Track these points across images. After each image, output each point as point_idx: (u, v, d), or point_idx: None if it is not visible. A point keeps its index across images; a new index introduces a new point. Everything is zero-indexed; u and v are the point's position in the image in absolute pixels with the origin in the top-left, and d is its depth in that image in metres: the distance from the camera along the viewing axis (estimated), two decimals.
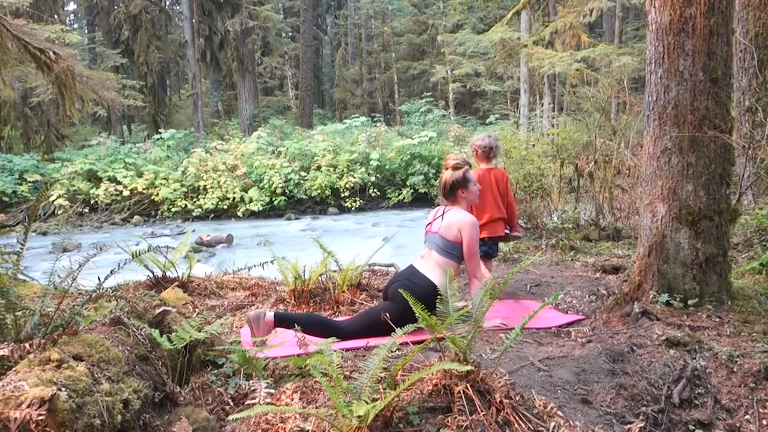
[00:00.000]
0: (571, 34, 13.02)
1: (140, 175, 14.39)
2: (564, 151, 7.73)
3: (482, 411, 1.85)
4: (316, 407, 1.99)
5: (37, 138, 17.27)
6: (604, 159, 6.65)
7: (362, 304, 3.81)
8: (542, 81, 14.88)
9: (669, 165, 3.02)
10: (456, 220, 3.23)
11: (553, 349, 2.74)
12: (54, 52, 6.25)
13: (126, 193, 13.89)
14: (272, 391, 2.16)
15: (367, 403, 1.76)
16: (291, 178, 14.15)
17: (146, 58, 19.22)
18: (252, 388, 2.23)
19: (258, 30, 21.29)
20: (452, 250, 3.19)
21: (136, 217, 13.75)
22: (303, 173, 14.43)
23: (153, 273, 3.99)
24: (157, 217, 13.93)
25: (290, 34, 32.37)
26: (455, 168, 3.37)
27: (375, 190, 14.75)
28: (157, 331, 2.23)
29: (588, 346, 2.70)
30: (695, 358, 2.47)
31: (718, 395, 2.30)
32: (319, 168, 14.58)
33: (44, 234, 11.95)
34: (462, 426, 1.80)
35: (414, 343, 2.53)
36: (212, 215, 13.84)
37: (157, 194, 13.91)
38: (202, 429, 1.97)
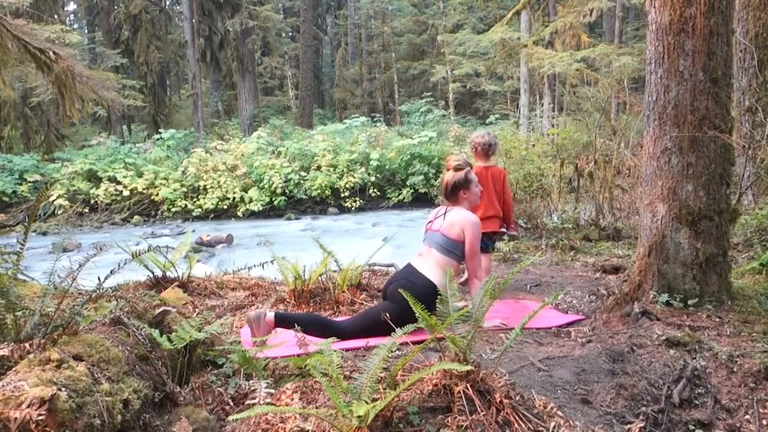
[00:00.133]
0: (571, 34, 13.02)
1: (140, 175, 14.39)
2: (564, 151, 7.73)
3: (482, 411, 1.85)
4: (316, 407, 1.99)
5: (37, 138, 17.27)
6: (604, 159, 6.65)
7: (362, 304, 3.81)
8: (542, 81, 14.88)
9: (669, 165, 3.02)
10: (459, 218, 3.23)
11: (553, 349, 2.74)
12: (54, 52, 6.25)
13: (126, 193, 13.89)
14: (272, 391, 2.16)
15: (367, 403, 1.76)
16: (291, 178, 14.16)
17: (146, 58, 19.22)
18: (252, 388, 2.23)
19: (258, 30, 21.29)
20: (453, 249, 3.19)
21: (136, 217, 13.75)
22: (303, 173, 14.43)
23: (153, 273, 3.99)
24: (157, 217, 13.93)
25: (290, 34, 32.37)
26: (457, 169, 3.37)
27: (375, 190, 14.75)
28: (157, 331, 2.23)
29: (588, 346, 2.70)
30: (695, 358, 2.47)
31: (718, 395, 2.30)
32: (319, 168, 14.58)
33: (44, 234, 11.95)
34: (462, 426, 1.80)
35: (414, 343, 2.53)
36: (212, 215, 13.84)
37: (157, 194, 13.91)
38: (202, 429, 1.97)
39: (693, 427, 2.15)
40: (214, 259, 8.46)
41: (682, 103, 2.97)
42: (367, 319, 3.07)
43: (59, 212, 13.33)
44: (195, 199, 13.98)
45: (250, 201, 13.89)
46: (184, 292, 3.77)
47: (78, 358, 1.79)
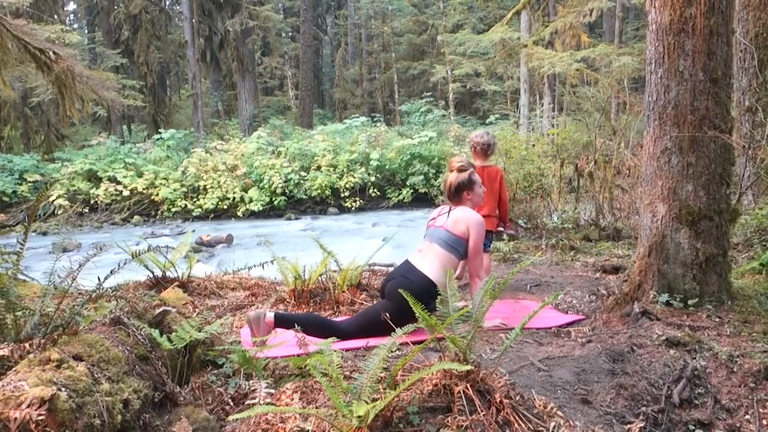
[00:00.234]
0: (571, 34, 13.02)
1: (140, 175, 14.39)
2: (564, 151, 7.74)
3: (482, 411, 1.85)
4: (316, 407, 1.99)
5: (37, 138, 17.27)
6: (604, 159, 6.65)
7: (362, 304, 3.81)
8: (542, 81, 14.88)
9: (669, 165, 3.02)
10: (464, 216, 3.24)
11: (553, 349, 2.74)
12: (54, 52, 6.25)
13: (126, 193, 13.89)
14: (272, 391, 2.16)
15: (367, 403, 1.76)
16: (291, 178, 14.15)
17: (146, 58, 19.22)
18: (252, 388, 2.23)
19: (258, 30, 21.29)
20: (456, 245, 3.19)
21: (136, 217, 13.75)
22: (303, 173, 14.43)
23: (153, 273, 3.99)
24: (157, 217, 13.93)
25: (290, 34, 32.37)
26: (461, 170, 3.39)
27: (375, 190, 14.75)
28: (157, 331, 2.23)
29: (588, 346, 2.70)
30: (695, 358, 2.47)
31: (718, 395, 2.30)
32: (319, 168, 14.58)
33: (44, 234, 11.95)
34: (462, 426, 1.80)
35: (414, 343, 2.54)
36: (212, 215, 13.84)
37: (157, 194, 13.91)
38: (202, 429, 1.97)
39: (693, 427, 2.15)
40: (214, 259, 8.46)
41: (682, 103, 2.97)
42: (366, 319, 3.07)
43: (59, 212, 13.33)
44: (195, 199, 13.98)
45: (250, 201, 13.89)
46: (184, 292, 3.77)
47: (78, 358, 1.80)
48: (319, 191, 14.17)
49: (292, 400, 2.08)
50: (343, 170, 14.52)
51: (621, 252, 5.27)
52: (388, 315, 2.85)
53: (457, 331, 2.11)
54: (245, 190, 14.14)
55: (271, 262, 4.08)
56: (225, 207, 13.92)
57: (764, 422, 2.16)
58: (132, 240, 8.46)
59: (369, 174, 14.62)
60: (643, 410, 2.15)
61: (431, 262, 3.15)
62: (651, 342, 2.63)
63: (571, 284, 4.15)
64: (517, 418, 1.87)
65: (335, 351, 2.13)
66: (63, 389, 1.56)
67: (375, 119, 19.81)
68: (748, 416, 2.20)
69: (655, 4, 3.06)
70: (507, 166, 6.78)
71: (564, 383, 2.29)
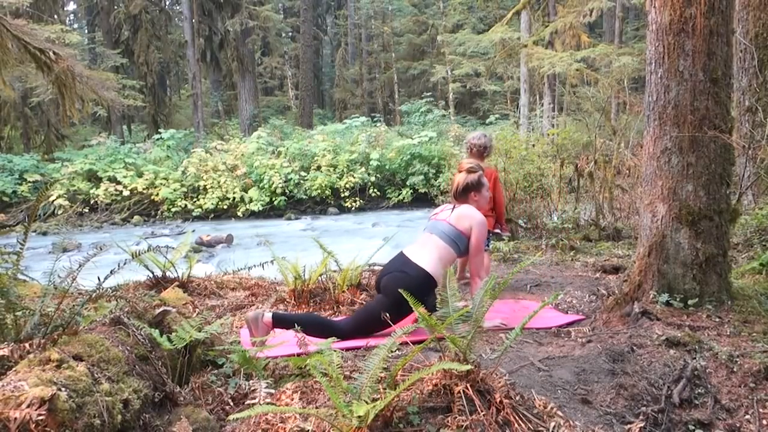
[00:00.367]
0: (571, 34, 13.02)
1: (140, 175, 14.39)
2: (564, 151, 7.74)
3: (482, 411, 1.85)
4: (316, 407, 1.99)
5: (37, 138, 17.27)
6: (604, 159, 6.65)
7: (362, 304, 3.81)
8: (542, 81, 14.88)
9: (669, 165, 3.02)
10: (468, 214, 3.24)
11: (553, 349, 2.74)
12: (54, 52, 6.25)
13: (126, 193, 13.88)
14: (272, 391, 2.16)
15: (367, 403, 1.76)
16: (291, 178, 14.15)
17: (146, 58, 19.22)
18: (252, 388, 2.23)
19: (258, 30, 21.29)
20: (458, 240, 3.18)
21: (136, 217, 13.75)
22: (303, 173, 14.43)
23: (153, 273, 3.99)
24: (157, 217, 13.93)
25: (290, 34, 32.37)
26: (470, 171, 3.41)
27: (375, 190, 14.75)
28: (157, 331, 2.23)
29: (588, 346, 2.70)
30: (695, 358, 2.47)
31: (718, 395, 2.30)
32: (319, 168, 14.58)
33: (44, 234, 11.95)
34: (462, 426, 1.80)
35: (414, 343, 2.53)
36: (212, 215, 13.84)
37: (157, 194, 13.91)
38: (202, 429, 1.97)
39: (693, 427, 2.15)
40: (214, 259, 8.46)
41: (682, 103, 2.97)
42: (364, 316, 3.06)
43: (59, 212, 13.33)
44: (195, 199, 13.98)
45: (250, 201, 13.88)
46: (184, 292, 3.77)
47: (78, 358, 1.79)
48: (319, 191, 14.17)
49: (292, 400, 2.08)
50: (343, 170, 14.52)
51: (621, 252, 5.27)
52: (383, 311, 2.87)
53: (457, 331, 2.11)
54: (245, 190, 14.14)
55: (271, 262, 4.08)
56: (225, 207, 13.92)
57: (764, 422, 2.16)
58: (132, 240, 8.46)
59: (369, 174, 14.62)
60: (643, 410, 2.15)
61: (429, 254, 3.12)
62: (651, 342, 2.63)
63: (571, 284, 4.15)
64: (517, 418, 1.87)
65: (335, 351, 2.13)
66: (63, 389, 1.56)
67: (375, 119, 19.80)
68: (748, 416, 2.20)
69: (655, 4, 3.06)
70: (507, 166, 6.77)
71: (564, 383, 2.29)
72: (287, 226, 12.53)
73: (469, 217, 3.23)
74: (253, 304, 3.87)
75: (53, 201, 13.30)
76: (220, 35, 20.27)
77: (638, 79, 12.78)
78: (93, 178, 14.28)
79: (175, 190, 13.93)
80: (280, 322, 3.02)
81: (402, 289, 2.70)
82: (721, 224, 3.02)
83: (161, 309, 2.43)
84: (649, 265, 3.10)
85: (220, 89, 26.17)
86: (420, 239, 3.29)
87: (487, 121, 18.62)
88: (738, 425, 2.17)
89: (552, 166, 7.20)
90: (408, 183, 14.50)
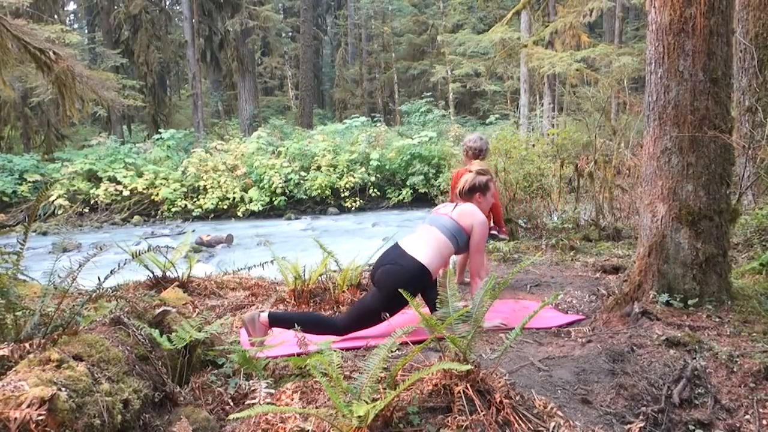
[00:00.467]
0: (571, 34, 13.01)
1: (140, 175, 14.39)
2: (564, 151, 7.74)
3: (482, 411, 1.85)
4: (316, 407, 1.99)
5: (37, 138, 17.27)
6: (604, 159, 6.65)
7: None
8: (542, 81, 14.88)
9: (669, 165, 3.02)
10: (471, 212, 3.24)
11: (553, 349, 2.74)
12: (54, 52, 6.25)
13: (126, 193, 13.89)
14: (272, 391, 2.16)
15: (367, 403, 1.76)
16: (291, 178, 14.15)
17: (146, 58, 19.22)
18: (252, 388, 2.23)
19: (258, 30, 21.29)
20: (457, 235, 3.17)
21: (136, 217, 13.75)
22: (303, 173, 14.43)
23: (153, 273, 3.99)
24: (157, 217, 13.93)
25: (290, 34, 32.37)
26: (480, 173, 3.42)
27: (375, 190, 14.75)
28: (157, 331, 2.23)
29: (588, 346, 2.70)
30: (695, 358, 2.47)
31: (718, 395, 2.30)
32: (319, 168, 14.58)
33: (44, 234, 11.95)
34: (462, 426, 1.80)
35: (414, 343, 2.53)
36: (212, 215, 13.84)
37: (157, 194, 13.91)
38: (202, 429, 1.97)
39: (693, 427, 2.15)
40: (214, 259, 8.46)
41: (682, 103, 2.97)
42: (360, 310, 3.04)
43: (59, 212, 13.33)
44: (195, 199, 13.98)
45: (250, 201, 13.89)
46: (184, 292, 3.77)
47: (78, 358, 1.79)
48: (319, 191, 14.17)
49: (292, 400, 2.08)
50: (343, 170, 14.52)
51: (621, 252, 5.27)
52: (378, 305, 2.90)
53: (457, 331, 2.11)
54: (245, 190, 14.14)
55: (271, 262, 4.08)
56: (225, 207, 13.92)
57: (764, 422, 2.16)
58: (132, 240, 8.47)
59: (369, 174, 14.62)
60: (643, 410, 2.15)
61: (426, 246, 3.08)
62: (651, 342, 2.63)
63: (571, 284, 4.15)
64: (517, 418, 1.87)
65: (335, 351, 2.13)
66: (63, 389, 1.56)
67: (375, 119, 19.81)
68: (748, 416, 2.20)
69: (655, 4, 3.06)
70: (507, 166, 6.77)
71: (564, 383, 2.29)
72: (287, 226, 12.53)
73: (471, 214, 3.22)
74: (253, 304, 3.87)
75: (53, 201, 13.31)
76: (220, 35, 20.27)
77: (638, 79, 12.79)
78: (93, 178, 14.28)
79: (175, 190, 13.93)
80: (277, 321, 3.02)
81: (396, 282, 2.72)
82: (721, 224, 3.02)
83: (161, 309, 2.43)
84: (649, 265, 3.10)
85: (220, 89, 26.18)
86: (417, 230, 3.26)
87: (487, 121, 18.62)
88: (738, 425, 2.16)
89: (552, 166, 7.19)
90: (408, 183, 14.50)
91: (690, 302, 2.95)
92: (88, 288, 2.39)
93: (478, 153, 4.33)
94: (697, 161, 2.96)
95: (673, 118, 2.99)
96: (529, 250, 5.69)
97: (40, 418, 1.45)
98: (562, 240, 5.64)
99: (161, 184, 14.09)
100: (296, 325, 2.71)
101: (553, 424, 1.92)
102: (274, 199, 14.03)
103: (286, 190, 14.15)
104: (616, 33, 16.28)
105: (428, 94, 21.27)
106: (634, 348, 2.59)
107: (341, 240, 9.29)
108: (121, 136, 18.67)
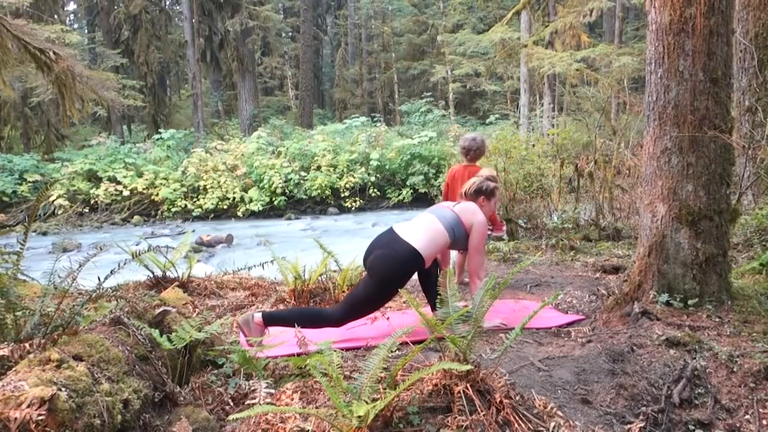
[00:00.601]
0: (571, 34, 13.01)
1: (140, 175, 14.39)
2: (564, 151, 7.73)
3: (482, 411, 1.85)
4: (316, 407, 1.99)
5: (37, 138, 17.27)
6: (604, 159, 6.65)
7: None
8: (542, 81, 14.87)
9: (669, 165, 3.02)
10: (473, 210, 3.25)
11: (553, 349, 2.74)
12: (54, 52, 6.25)
13: (126, 193, 13.88)
14: (272, 391, 2.16)
15: (367, 403, 1.76)
16: (291, 178, 14.15)
17: (146, 58, 19.22)
18: (252, 388, 2.23)
19: (258, 30, 21.29)
20: (456, 228, 3.16)
21: (136, 217, 13.75)
22: (303, 173, 14.43)
23: (153, 273, 3.99)
24: (157, 217, 13.92)
25: (290, 34, 32.37)
26: (489, 179, 3.45)
27: (375, 190, 14.75)
28: (157, 331, 2.23)
29: (588, 346, 2.70)
30: (695, 358, 2.47)
31: (718, 395, 2.30)
32: (319, 168, 14.58)
33: (44, 234, 11.95)
34: (462, 426, 1.80)
35: (414, 343, 2.54)
36: (212, 215, 13.84)
37: (157, 194, 13.91)
38: (202, 429, 1.97)
39: (693, 427, 2.15)
40: (214, 259, 8.46)
41: (682, 103, 2.97)
42: (354, 300, 3.02)
43: (59, 212, 13.33)
44: (195, 199, 13.98)
45: (250, 201, 13.88)
46: (184, 292, 3.77)
47: (78, 358, 1.79)
48: (319, 191, 14.17)
49: (292, 400, 2.08)
50: (343, 170, 14.52)
51: (621, 252, 5.26)
52: (370, 292, 2.92)
53: (457, 331, 2.11)
54: (245, 190, 14.14)
55: (271, 262, 4.08)
56: (225, 207, 13.92)
57: (764, 422, 2.16)
58: (132, 240, 8.47)
59: (369, 174, 14.62)
60: (643, 410, 2.15)
61: (422, 232, 3.06)
62: (651, 342, 2.63)
63: (571, 284, 4.15)
64: (517, 418, 1.87)
65: (335, 351, 2.13)
66: (63, 389, 1.56)
67: (375, 119, 19.80)
68: (748, 416, 2.20)
69: (655, 4, 3.06)
70: (507, 166, 6.77)
71: (564, 383, 2.29)
72: (287, 226, 12.53)
73: (472, 213, 3.23)
74: (253, 304, 3.87)
75: (53, 201, 13.30)
76: (220, 35, 20.26)
77: (638, 79, 12.78)
78: (93, 178, 14.28)
79: (175, 190, 13.93)
80: (271, 320, 3.01)
81: (387, 268, 2.72)
82: (721, 224, 3.02)
83: (161, 309, 2.43)
84: (649, 265, 3.10)
85: (220, 89, 26.17)
86: (416, 217, 3.26)
87: (487, 121, 18.62)
88: (738, 425, 2.17)
89: (552, 166, 7.19)
90: (408, 183, 14.50)
91: (690, 302, 2.95)
92: (88, 288, 2.39)
93: (475, 153, 4.40)
94: (697, 161, 2.96)
95: (673, 118, 2.99)
96: (529, 250, 5.69)
97: (40, 418, 1.45)
98: (562, 240, 5.64)
99: (161, 184, 14.09)
100: (295, 324, 2.70)
101: (553, 424, 1.92)
102: (274, 199, 14.03)
103: (286, 190, 14.15)
104: (616, 33, 16.28)
105: (428, 94, 21.26)
106: (634, 348, 2.59)
107: (341, 240, 9.29)
108: (121, 136, 18.67)
